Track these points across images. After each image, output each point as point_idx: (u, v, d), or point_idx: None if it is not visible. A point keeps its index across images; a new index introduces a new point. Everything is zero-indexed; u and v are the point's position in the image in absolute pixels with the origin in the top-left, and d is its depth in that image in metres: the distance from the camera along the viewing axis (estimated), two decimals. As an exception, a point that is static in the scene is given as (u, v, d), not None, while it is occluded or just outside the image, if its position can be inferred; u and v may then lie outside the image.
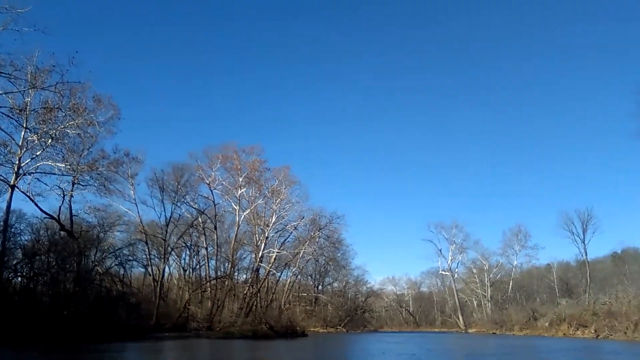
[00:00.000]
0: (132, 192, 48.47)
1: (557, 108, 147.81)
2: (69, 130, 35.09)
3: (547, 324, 58.77)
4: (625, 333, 42.17)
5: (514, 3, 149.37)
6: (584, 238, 71.85)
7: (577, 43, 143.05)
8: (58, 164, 35.65)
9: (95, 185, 39.56)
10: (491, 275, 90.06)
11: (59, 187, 37.98)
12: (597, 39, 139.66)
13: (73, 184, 38.66)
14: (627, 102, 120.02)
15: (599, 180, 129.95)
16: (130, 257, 50.68)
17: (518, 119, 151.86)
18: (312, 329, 64.55)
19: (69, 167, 36.42)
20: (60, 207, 39.27)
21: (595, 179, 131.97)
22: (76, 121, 34.73)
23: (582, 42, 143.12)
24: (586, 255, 73.73)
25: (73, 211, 40.78)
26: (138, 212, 49.12)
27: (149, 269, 54.60)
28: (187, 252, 62.25)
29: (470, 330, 79.45)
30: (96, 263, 42.79)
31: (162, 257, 50.77)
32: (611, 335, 44.02)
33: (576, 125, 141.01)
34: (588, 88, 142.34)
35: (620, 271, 72.96)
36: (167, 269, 57.17)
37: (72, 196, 39.48)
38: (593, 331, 47.35)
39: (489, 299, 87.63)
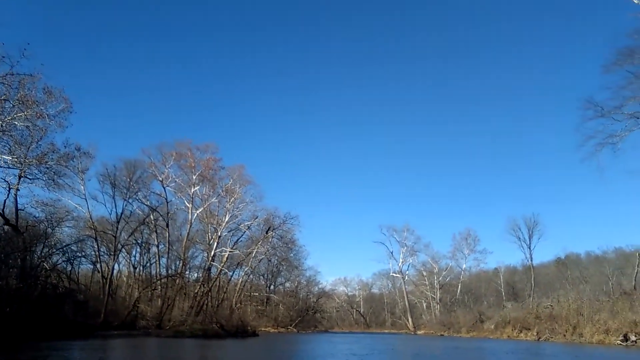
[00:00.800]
0: (82, 187, 47.43)
1: (507, 117, 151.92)
2: (16, 122, 34.00)
3: (492, 327, 60.44)
4: (564, 335, 43.96)
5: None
6: (529, 243, 74.52)
7: (530, 55, 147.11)
8: (4, 157, 34.52)
9: (44, 179, 38.36)
10: (440, 278, 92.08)
11: (4, 180, 36.77)
12: (546, 51, 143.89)
13: (20, 177, 37.45)
14: (572, 116, 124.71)
15: (545, 188, 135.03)
16: (78, 254, 49.56)
17: (468, 125, 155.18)
18: (263, 329, 64.52)
19: (15, 159, 35.30)
20: (5, 201, 38.05)
21: (542, 187, 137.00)
22: (25, 113, 33.71)
23: (536, 53, 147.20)
24: (531, 260, 76.46)
25: (19, 205, 39.54)
26: (88, 208, 48.13)
27: (98, 266, 53.45)
28: (138, 249, 61.30)
29: (419, 332, 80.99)
30: (42, 259, 41.60)
31: (112, 254, 49.82)
32: (552, 337, 45.74)
33: (525, 136, 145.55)
34: (536, 98, 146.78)
35: (563, 276, 75.89)
36: (116, 266, 56.12)
37: (18, 190, 38.27)
38: (535, 333, 49.07)
39: (438, 301, 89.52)
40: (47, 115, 36.08)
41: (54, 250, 44.41)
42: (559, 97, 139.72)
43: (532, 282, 72.57)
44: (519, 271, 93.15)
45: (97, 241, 49.99)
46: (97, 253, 51.16)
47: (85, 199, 47.82)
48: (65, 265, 46.67)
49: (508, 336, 53.75)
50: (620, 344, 35.89)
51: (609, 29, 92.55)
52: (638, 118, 25.77)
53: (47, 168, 38.16)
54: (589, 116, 28.72)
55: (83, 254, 51.21)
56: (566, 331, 44.50)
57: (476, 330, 63.42)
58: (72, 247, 47.75)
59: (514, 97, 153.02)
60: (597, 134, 27.99)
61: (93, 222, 48.78)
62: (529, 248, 74.73)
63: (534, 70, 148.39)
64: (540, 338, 47.34)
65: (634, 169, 56.96)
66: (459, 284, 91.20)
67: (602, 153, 27.94)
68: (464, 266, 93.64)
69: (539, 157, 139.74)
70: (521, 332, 52.65)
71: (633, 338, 35.81)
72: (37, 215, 42.70)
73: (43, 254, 42.25)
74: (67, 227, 49.15)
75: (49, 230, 43.28)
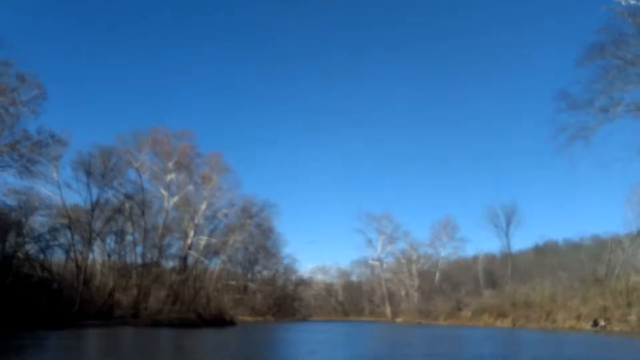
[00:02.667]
0: (55, 174, 46.62)
1: (486, 106, 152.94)
2: (-13, 109, 33.38)
3: (470, 314, 61.16)
4: (539, 322, 44.78)
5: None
6: (507, 231, 75.27)
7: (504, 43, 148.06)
8: (-25, 144, 33.89)
9: (16, 167, 37.68)
10: (419, 266, 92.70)
11: (-25, 168, 36.09)
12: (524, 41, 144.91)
13: (-10, 165, 36.76)
14: (546, 108, 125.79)
15: (524, 177, 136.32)
16: (51, 243, 48.74)
17: (448, 114, 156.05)
18: (240, 318, 64.43)
19: (-14, 147, 34.66)
20: (-25, 189, 37.33)
21: (520, 176, 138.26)
22: (-4, 99, 33.10)
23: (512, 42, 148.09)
24: (509, 248, 77.36)
25: (-10, 193, 38.84)
26: (61, 196, 47.33)
27: (72, 255, 52.60)
28: (113, 237, 60.49)
29: (397, 320, 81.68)
30: (15, 248, 40.94)
31: (87, 242, 49.16)
32: (526, 324, 46.56)
33: (503, 124, 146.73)
34: (513, 87, 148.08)
35: (541, 263, 76.88)
36: (90, 255, 55.40)
37: (-12, 177, 37.57)
38: (511, 320, 49.85)
39: (417, 289, 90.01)
40: (20, 101, 35.54)
41: (27, 239, 43.75)
42: (537, 88, 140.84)
43: (510, 270, 73.39)
44: (497, 259, 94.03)
45: (71, 229, 49.21)
46: (71, 241, 50.28)
47: (59, 187, 47.03)
48: (38, 254, 45.87)
49: (485, 323, 54.48)
50: (590, 329, 36.70)
51: (585, 22, 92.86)
52: (607, 112, 26.14)
53: (20, 156, 37.51)
54: (562, 108, 29.01)
55: (57, 242, 50.36)
56: (540, 318, 45.36)
57: (454, 317, 64.14)
58: (46, 236, 47.08)
59: (492, 87, 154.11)
60: (569, 127, 28.30)
61: (67, 210, 48.05)
62: (507, 236, 75.83)
63: (512, 61, 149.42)
64: (515, 325, 48.15)
65: (605, 162, 57.49)
66: (437, 272, 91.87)
67: (574, 146, 28.22)
68: (443, 254, 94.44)
69: (517, 146, 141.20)
70: (497, 319, 53.43)
71: (602, 323, 36.68)
72: (9, 203, 42.07)
73: (16, 243, 41.59)
74: (40, 215, 48.47)
75: (22, 219, 42.58)
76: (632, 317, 33.69)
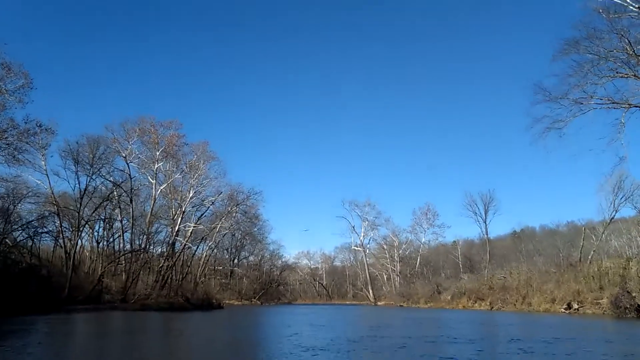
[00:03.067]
0: (43, 163, 47.10)
1: (466, 99, 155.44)
2: (-27, 99, 33.80)
3: (449, 297, 62.76)
4: (515, 305, 46.43)
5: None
6: (485, 218, 76.96)
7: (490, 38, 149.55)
8: (-39, 132, 34.30)
9: (4, 155, 38.11)
10: (400, 251, 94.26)
11: (-37, 156, 36.52)
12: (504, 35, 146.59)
13: (-22, 153, 37.20)
14: (522, 99, 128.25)
15: (502, 165, 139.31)
16: (40, 230, 49.29)
17: (428, 107, 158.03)
18: (227, 302, 65.67)
19: (-28, 135, 35.11)
20: (-36, 178, 37.79)
21: (499, 164, 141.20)
22: (-19, 88, 33.52)
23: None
24: (487, 234, 79.08)
25: (-23, 182, 39.30)
26: (49, 184, 47.84)
27: (60, 241, 53.21)
28: (101, 224, 61.16)
29: (379, 303, 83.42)
30: (4, 235, 41.53)
31: (76, 229, 49.82)
32: (503, 307, 48.19)
33: (482, 114, 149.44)
34: (492, 81, 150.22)
35: (518, 249, 79.00)
36: (79, 242, 56.07)
37: (-25, 166, 38.00)
38: (488, 304, 51.45)
39: (398, 273, 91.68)
40: (6, 90, 35.91)
41: (15, 227, 44.29)
42: (514, 81, 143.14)
43: (488, 255, 75.20)
44: (476, 244, 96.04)
45: (59, 217, 49.78)
46: (60, 229, 50.87)
47: (47, 175, 47.53)
48: (26, 242, 46.46)
49: (463, 306, 56.09)
50: (564, 312, 38.33)
51: (563, 17, 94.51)
52: (582, 104, 27.25)
53: (7, 144, 37.92)
54: (538, 100, 30.09)
55: (45, 230, 50.94)
56: (516, 301, 46.97)
57: (434, 301, 65.71)
58: (34, 223, 47.57)
59: (473, 79, 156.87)
60: (544, 119, 29.39)
61: (55, 198, 48.61)
62: (485, 223, 77.39)
63: (492, 56, 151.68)
64: (492, 308, 49.75)
65: (577, 153, 59.40)
66: (418, 257, 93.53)
67: (548, 137, 29.33)
68: (423, 240, 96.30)
69: (496, 137, 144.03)
70: (476, 302, 55.02)
71: (575, 306, 38.26)
72: (-3, 191, 42.51)
73: (4, 230, 42.15)
74: (29, 203, 48.95)
75: (11, 207, 43.09)
76: (604, 300, 35.22)
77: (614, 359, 12.87)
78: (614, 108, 26.34)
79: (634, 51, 24.46)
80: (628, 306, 30.44)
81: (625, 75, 25.60)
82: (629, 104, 25.67)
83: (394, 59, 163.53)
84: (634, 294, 31.68)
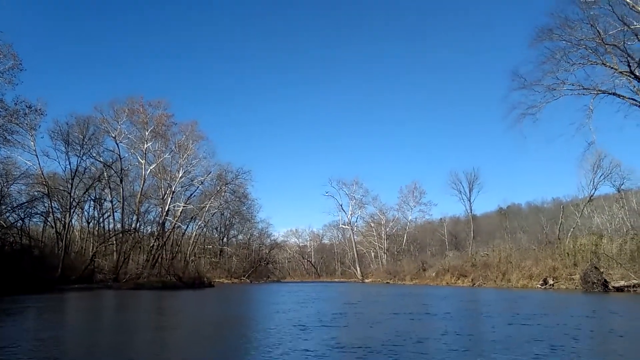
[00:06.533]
0: (32, 143, 47.79)
1: (451, 80, 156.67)
2: (-38, 79, 34.34)
3: (433, 274, 64.31)
4: (495, 281, 48.10)
5: None
6: (469, 196, 78.50)
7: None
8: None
9: (-7, 136, 38.83)
10: (388, 229, 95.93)
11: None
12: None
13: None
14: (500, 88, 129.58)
15: (489, 142, 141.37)
16: (30, 210, 49.99)
17: (415, 87, 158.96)
18: (217, 280, 66.98)
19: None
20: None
21: (485, 141, 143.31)
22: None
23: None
24: (471, 211, 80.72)
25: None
26: (39, 165, 48.61)
27: (51, 222, 54.06)
28: (91, 204, 62.09)
29: (366, 280, 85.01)
30: (-2, 216, 42.35)
31: (67, 210, 50.71)
32: (484, 283, 49.82)
33: (467, 96, 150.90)
34: (476, 64, 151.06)
35: (503, 226, 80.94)
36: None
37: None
38: (470, 280, 53.07)
39: (385, 251, 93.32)
40: (-4, 72, 36.53)
41: (6, 207, 44.96)
42: (497, 65, 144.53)
43: (472, 233, 76.86)
44: (463, 221, 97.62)
45: (49, 197, 50.55)
46: (50, 209, 51.66)
47: (36, 156, 48.31)
48: (17, 222, 47.20)
49: (447, 283, 57.64)
50: (540, 287, 40.00)
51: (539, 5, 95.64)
52: (554, 90, 28.51)
53: (-4, 125, 38.58)
54: (514, 87, 31.39)
55: (36, 210, 51.61)
56: (497, 277, 48.62)
57: (419, 277, 67.17)
58: (25, 204, 48.15)
59: (457, 63, 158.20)
60: (519, 105, 30.74)
61: (45, 179, 49.35)
62: (469, 201, 78.89)
63: (475, 40, 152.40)
64: (474, 284, 51.35)
65: (551, 137, 61.44)
66: (405, 235, 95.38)
67: (524, 123, 30.69)
68: (410, 218, 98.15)
69: (482, 115, 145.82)
70: (459, 279, 56.58)
71: (551, 282, 39.94)
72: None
73: (-2, 211, 42.94)
74: (18, 183, 49.62)
75: (4, 189, 43.74)
76: (577, 276, 36.88)
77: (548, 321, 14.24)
78: (584, 94, 27.63)
79: (602, 40, 25.67)
80: (595, 281, 32.14)
81: (595, 63, 26.89)
82: (597, 90, 26.97)
83: (380, 39, 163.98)
84: (601, 270, 33.43)
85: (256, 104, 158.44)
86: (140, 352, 10.33)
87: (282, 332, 12.99)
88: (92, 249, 53.04)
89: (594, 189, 57.06)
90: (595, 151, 48.63)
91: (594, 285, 32.11)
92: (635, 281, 30.77)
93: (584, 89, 27.30)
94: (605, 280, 32.26)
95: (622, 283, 31.59)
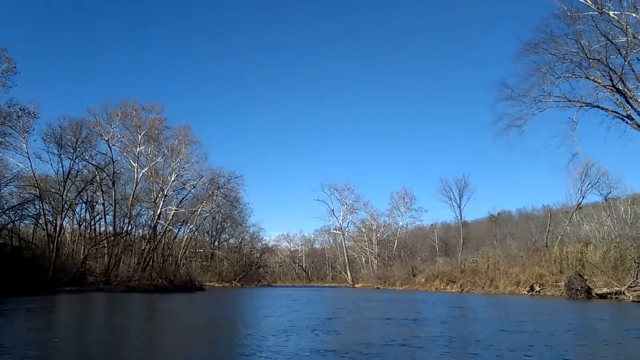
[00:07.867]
0: (25, 146, 47.92)
1: (441, 89, 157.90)
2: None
3: (423, 280, 64.84)
4: (483, 288, 48.70)
5: None
6: (460, 203, 79.12)
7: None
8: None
9: (-14, 138, 39.04)
10: (379, 235, 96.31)
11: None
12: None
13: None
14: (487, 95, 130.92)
15: (477, 150, 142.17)
16: (23, 212, 49.99)
17: (407, 94, 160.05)
18: (208, 284, 67.18)
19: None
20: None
21: (476, 148, 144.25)
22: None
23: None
24: (461, 218, 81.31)
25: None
26: (31, 167, 48.71)
27: (42, 224, 54.01)
28: (83, 207, 62.12)
29: (357, 285, 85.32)
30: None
31: (60, 213, 50.75)
32: (472, 289, 50.41)
33: (458, 103, 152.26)
34: (465, 74, 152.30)
35: (493, 233, 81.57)
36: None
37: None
38: (459, 286, 53.64)
39: (376, 256, 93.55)
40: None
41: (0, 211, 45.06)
42: (485, 74, 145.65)
43: (462, 239, 77.40)
44: (453, 228, 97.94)
45: (41, 200, 50.56)
46: (42, 211, 51.65)
47: (29, 158, 48.42)
48: (9, 224, 47.23)
49: (436, 288, 58.16)
50: (527, 294, 40.62)
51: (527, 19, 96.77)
52: (540, 101, 29.13)
53: (-11, 127, 38.84)
54: (502, 97, 32.01)
55: (27, 212, 51.54)
56: (485, 284, 49.22)
57: (409, 283, 67.58)
58: (17, 206, 48.20)
59: (446, 71, 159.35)
60: (505, 117, 31.39)
61: (37, 181, 49.44)
62: (459, 207, 79.47)
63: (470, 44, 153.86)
64: (463, 290, 51.93)
65: (537, 149, 62.65)
66: (396, 240, 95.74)
67: (510, 134, 31.34)
68: (401, 223, 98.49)
69: (472, 120, 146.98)
70: (448, 284, 57.10)
71: (537, 288, 40.60)
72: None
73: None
74: (9, 186, 49.62)
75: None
76: (562, 283, 37.51)
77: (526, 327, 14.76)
78: (569, 107, 28.30)
79: (586, 54, 26.33)
80: (579, 288, 32.82)
81: (579, 76, 27.56)
82: (582, 103, 27.65)
83: (372, 46, 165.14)
84: (585, 277, 34.11)
85: (249, 108, 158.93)
86: (130, 356, 10.64)
87: (270, 336, 13.40)
88: (84, 252, 53.08)
89: (582, 197, 57.90)
90: (583, 159, 49.42)
91: (578, 292, 32.77)
92: (617, 288, 31.44)
93: (569, 101, 27.98)
94: (588, 287, 32.94)
95: (604, 290, 32.29)
